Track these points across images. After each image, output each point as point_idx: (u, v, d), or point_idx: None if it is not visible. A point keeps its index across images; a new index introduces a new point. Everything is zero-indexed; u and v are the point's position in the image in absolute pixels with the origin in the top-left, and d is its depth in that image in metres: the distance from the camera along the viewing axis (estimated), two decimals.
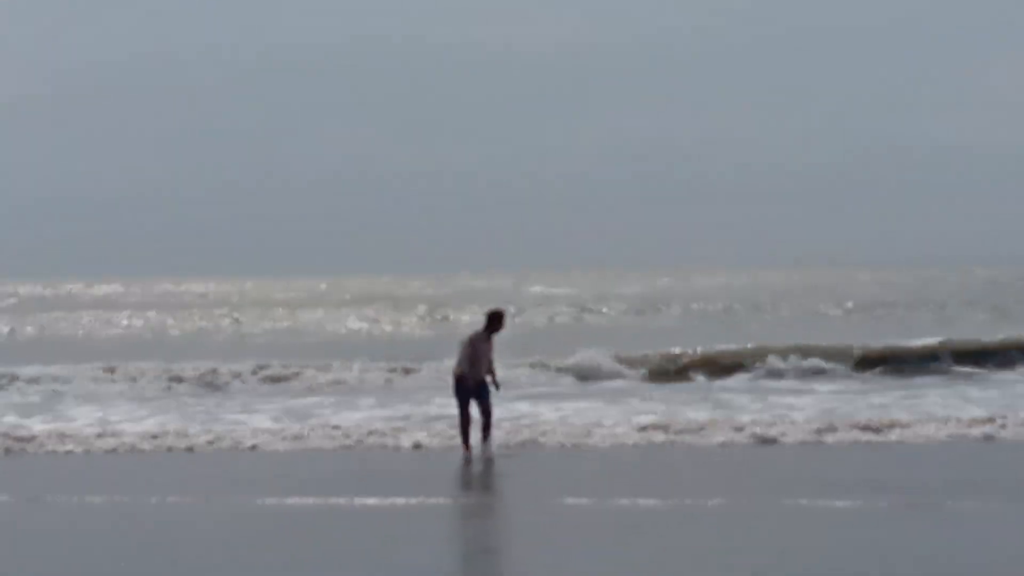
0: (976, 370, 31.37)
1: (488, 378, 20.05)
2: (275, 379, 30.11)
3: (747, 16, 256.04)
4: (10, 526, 15.23)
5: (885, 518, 14.42)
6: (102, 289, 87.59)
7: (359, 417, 24.00)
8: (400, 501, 16.00)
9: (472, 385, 19.93)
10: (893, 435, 20.38)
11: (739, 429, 21.01)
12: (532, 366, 30.78)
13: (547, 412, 24.06)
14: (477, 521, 15.65)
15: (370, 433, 21.37)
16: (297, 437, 21.27)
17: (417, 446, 20.63)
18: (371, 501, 16.08)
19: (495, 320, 20.17)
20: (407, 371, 30.59)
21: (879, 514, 14.60)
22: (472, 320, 44.78)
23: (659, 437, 20.59)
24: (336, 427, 22.22)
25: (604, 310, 66.24)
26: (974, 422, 21.18)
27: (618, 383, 29.94)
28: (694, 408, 24.33)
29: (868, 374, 31.24)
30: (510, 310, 38.22)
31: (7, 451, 20.65)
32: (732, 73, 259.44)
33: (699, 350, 33.35)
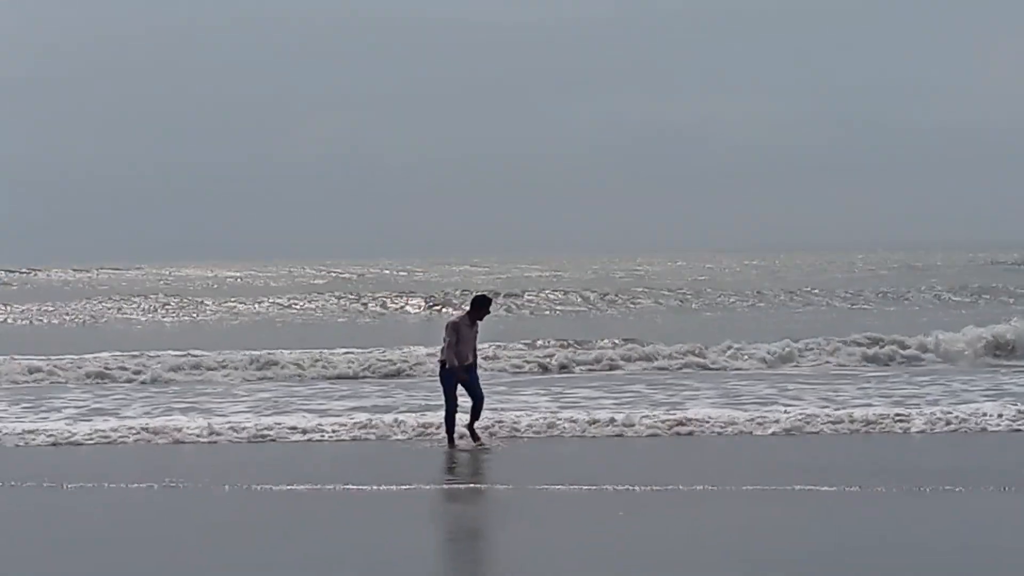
0: None
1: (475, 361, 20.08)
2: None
3: None
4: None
5: None
6: (107, 275, 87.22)
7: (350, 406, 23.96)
8: (390, 488, 16.41)
9: (458, 370, 19.84)
10: None
11: None
12: None
13: None
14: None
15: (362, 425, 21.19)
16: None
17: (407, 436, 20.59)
18: (360, 487, 16.48)
19: (480, 305, 20.10)
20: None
21: None
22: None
23: None
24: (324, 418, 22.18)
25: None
26: None
27: None
28: None
29: None
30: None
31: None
32: (731, 50, 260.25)
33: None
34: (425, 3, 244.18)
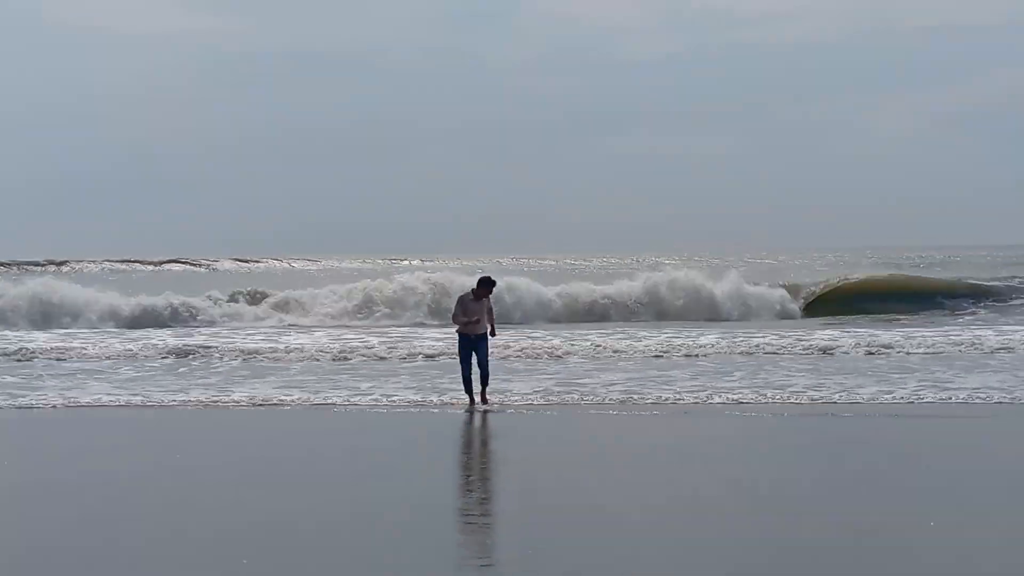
0: None
1: (488, 330, 23.26)
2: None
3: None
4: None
5: None
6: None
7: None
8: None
9: (470, 339, 23.22)
10: None
11: None
12: None
13: None
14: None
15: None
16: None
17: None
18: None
19: (483, 285, 23.33)
20: None
21: None
22: None
23: None
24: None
25: None
26: None
27: None
28: None
29: None
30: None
31: None
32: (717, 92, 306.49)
33: None
34: (505, 70, 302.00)
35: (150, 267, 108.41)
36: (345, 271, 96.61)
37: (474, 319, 23.30)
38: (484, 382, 23.31)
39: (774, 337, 34.40)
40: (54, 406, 23.67)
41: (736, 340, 33.58)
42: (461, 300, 23.62)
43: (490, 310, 23.57)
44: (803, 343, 33.09)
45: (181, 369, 30.14)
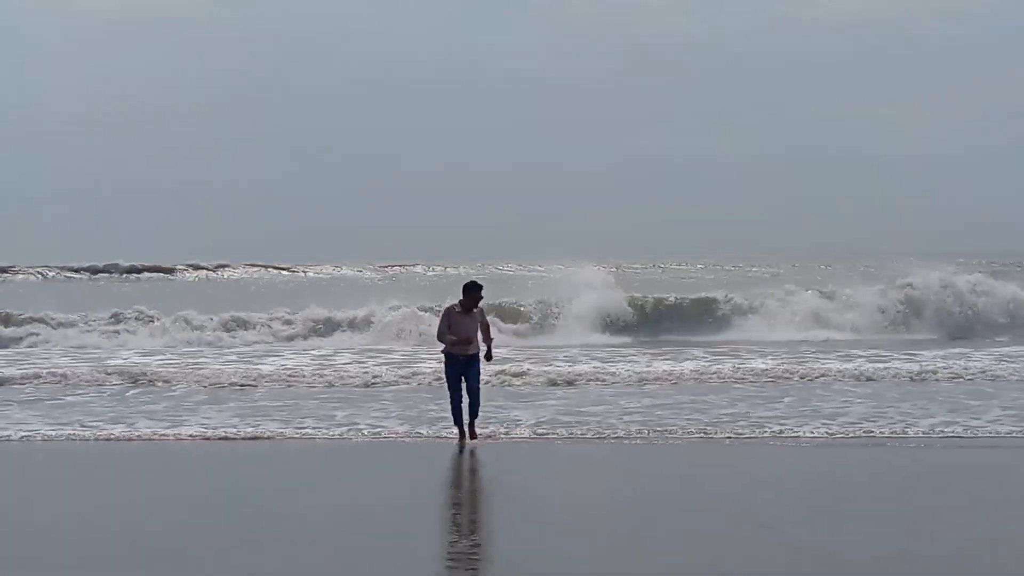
0: None
1: (483, 352, 20.26)
2: None
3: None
4: None
5: None
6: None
7: None
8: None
9: (459, 361, 20.19)
10: None
11: None
12: None
13: None
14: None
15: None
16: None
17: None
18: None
19: (470, 291, 20.12)
20: None
21: None
22: None
23: None
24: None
25: None
26: None
27: None
28: None
29: None
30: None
31: None
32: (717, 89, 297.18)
33: None
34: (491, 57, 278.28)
35: (116, 275, 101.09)
36: (356, 279, 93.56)
37: (464, 337, 20.27)
38: (473, 413, 20.52)
39: None
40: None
41: None
42: (447, 314, 20.38)
43: (484, 325, 20.52)
44: None
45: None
